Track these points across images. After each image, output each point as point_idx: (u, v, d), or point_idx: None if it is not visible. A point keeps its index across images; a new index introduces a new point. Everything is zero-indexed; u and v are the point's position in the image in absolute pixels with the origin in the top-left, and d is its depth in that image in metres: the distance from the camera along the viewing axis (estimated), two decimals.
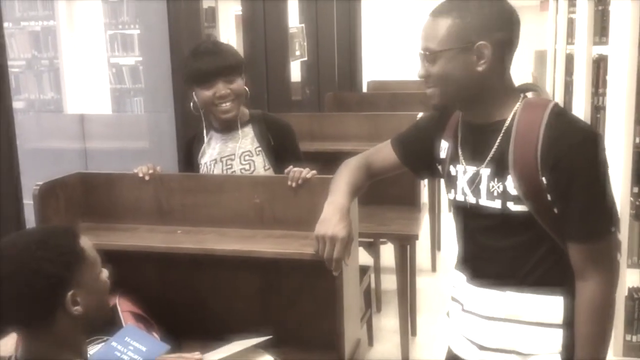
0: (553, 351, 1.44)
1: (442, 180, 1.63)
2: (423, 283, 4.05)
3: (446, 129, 1.58)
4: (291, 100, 5.00)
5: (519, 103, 1.44)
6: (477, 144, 1.48)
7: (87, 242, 1.33)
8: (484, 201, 1.45)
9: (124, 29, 6.08)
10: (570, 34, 6.21)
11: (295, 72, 5.69)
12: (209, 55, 2.22)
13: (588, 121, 4.63)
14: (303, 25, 5.72)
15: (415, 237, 3.10)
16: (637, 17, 3.00)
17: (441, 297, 4.04)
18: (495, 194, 1.43)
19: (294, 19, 5.70)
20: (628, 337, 3.26)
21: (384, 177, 1.77)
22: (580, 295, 1.39)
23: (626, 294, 3.26)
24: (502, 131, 1.42)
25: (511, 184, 1.40)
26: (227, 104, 2.22)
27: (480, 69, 1.38)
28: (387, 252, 3.78)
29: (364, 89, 6.96)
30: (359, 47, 7.48)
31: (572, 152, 1.34)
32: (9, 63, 2.29)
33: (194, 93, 2.25)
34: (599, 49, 4.62)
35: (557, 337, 1.44)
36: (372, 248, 3.72)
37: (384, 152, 1.73)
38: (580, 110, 4.70)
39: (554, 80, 7.18)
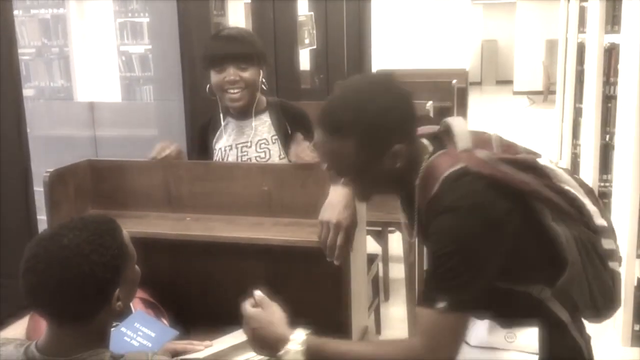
0: None
1: None
2: None
3: None
4: (300, 88, 4.98)
5: (421, 169, 1.38)
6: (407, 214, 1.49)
7: (127, 236, 1.32)
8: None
9: (133, 17, 6.09)
10: (582, 23, 6.16)
11: (305, 61, 5.68)
12: (226, 40, 2.26)
13: (599, 111, 4.59)
14: (312, 13, 5.69)
15: None
16: None
17: None
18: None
19: (303, 7, 5.68)
20: (636, 327, 3.26)
21: None
22: (404, 341, 1.38)
23: (635, 284, 3.25)
24: (415, 204, 1.40)
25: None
26: (236, 91, 2.21)
27: (399, 164, 1.34)
28: (396, 241, 3.78)
29: None
30: (368, 36, 7.44)
31: (430, 221, 1.30)
32: (19, 51, 2.30)
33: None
34: (610, 38, 4.58)
35: None
36: (381, 236, 3.72)
37: None
38: (591, 99, 4.66)
39: (565, 69, 7.13)
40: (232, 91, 2.21)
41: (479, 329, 1.43)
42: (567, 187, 1.41)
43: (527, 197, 1.35)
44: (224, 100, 2.27)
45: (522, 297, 1.39)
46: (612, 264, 1.45)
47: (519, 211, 1.33)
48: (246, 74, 2.21)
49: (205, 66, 2.26)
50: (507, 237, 1.32)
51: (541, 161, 1.42)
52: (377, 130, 1.31)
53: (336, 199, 1.62)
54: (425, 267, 1.38)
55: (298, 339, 1.35)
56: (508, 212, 1.31)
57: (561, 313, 1.42)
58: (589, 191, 1.46)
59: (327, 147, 1.36)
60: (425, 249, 1.38)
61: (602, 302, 1.43)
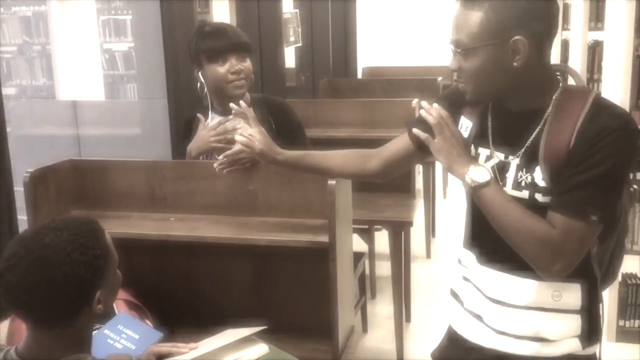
0: (572, 335, 1.44)
1: (439, 166, 1.62)
2: (417, 270, 4.05)
3: (466, 106, 1.52)
4: (285, 86, 4.96)
5: (558, 91, 1.38)
6: (511, 131, 1.43)
7: (109, 238, 1.30)
8: (509, 190, 1.41)
9: (116, 15, 6.03)
10: (566, 20, 6.19)
11: (290, 58, 5.66)
12: (221, 32, 2.25)
13: None
14: (297, 10, 5.68)
15: (410, 223, 3.10)
16: (632, 2, 2.99)
17: (435, 284, 4.05)
18: (523, 184, 1.39)
19: (287, 5, 5.66)
20: (621, 323, 3.28)
21: (396, 171, 1.71)
22: (542, 222, 1.35)
23: (620, 279, 3.27)
24: (542, 121, 1.37)
25: (539, 175, 1.37)
26: (241, 80, 2.23)
27: (516, 64, 1.33)
28: (382, 239, 3.78)
29: (359, 75, 6.92)
30: (354, 33, 7.43)
31: (602, 137, 1.29)
32: (0, 49, 2.26)
33: (199, 73, 2.25)
34: (594, 35, 4.61)
35: (576, 323, 1.44)
36: (367, 235, 3.71)
37: (398, 138, 1.68)
38: None
39: None
40: (237, 83, 2.22)
41: (527, 290, 1.45)
42: None
43: None
44: (223, 92, 2.25)
45: None
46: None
47: None
48: (246, 64, 2.25)
49: (200, 62, 2.23)
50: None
51: None
52: (505, 8, 1.31)
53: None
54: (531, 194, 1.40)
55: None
56: None
57: (597, 271, 1.47)
58: None
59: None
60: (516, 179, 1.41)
61: (611, 270, 1.52)
